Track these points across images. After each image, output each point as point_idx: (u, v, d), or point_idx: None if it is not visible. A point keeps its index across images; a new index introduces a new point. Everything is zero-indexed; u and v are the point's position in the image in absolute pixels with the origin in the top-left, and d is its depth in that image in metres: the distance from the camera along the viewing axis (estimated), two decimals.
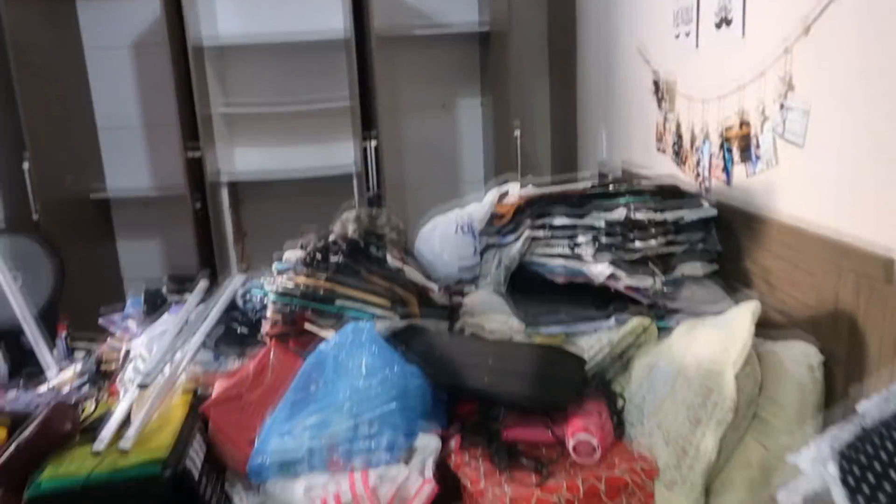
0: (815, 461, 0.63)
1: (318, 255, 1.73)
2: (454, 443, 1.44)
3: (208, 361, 1.70)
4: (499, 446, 1.39)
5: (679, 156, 2.09)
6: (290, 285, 1.67)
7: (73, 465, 1.33)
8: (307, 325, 1.64)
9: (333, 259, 1.72)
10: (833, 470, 0.55)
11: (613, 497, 1.29)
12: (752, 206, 1.68)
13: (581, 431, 1.34)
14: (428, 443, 1.40)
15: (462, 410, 1.54)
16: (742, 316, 1.36)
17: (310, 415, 1.42)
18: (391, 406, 1.40)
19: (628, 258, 1.68)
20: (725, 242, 1.76)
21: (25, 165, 3.06)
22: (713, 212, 1.75)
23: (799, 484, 0.67)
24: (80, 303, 2.72)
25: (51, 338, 2.24)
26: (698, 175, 1.95)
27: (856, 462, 0.53)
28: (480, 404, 1.51)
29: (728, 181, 1.78)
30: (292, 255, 1.80)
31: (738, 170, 1.73)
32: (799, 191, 1.50)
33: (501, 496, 1.25)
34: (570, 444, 1.34)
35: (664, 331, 1.60)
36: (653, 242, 1.69)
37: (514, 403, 1.44)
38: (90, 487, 1.29)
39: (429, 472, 1.34)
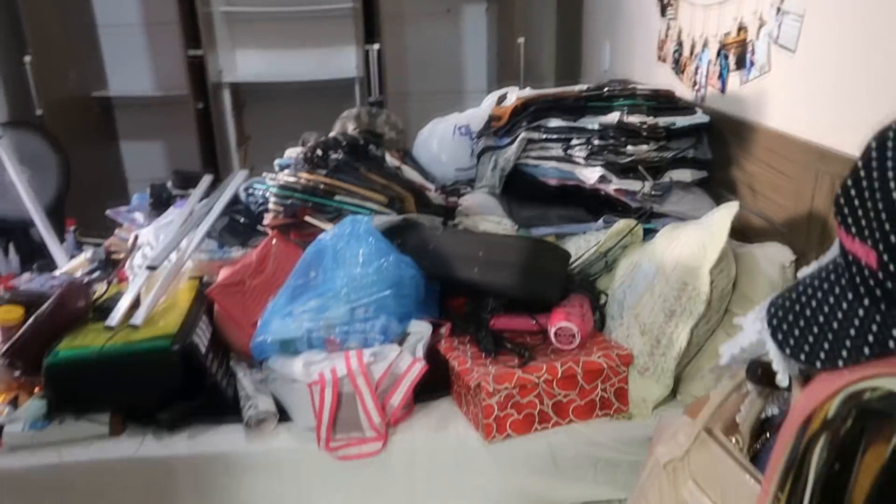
0: (755, 321, 0.71)
1: (319, 153, 1.78)
2: (445, 331, 1.53)
3: (213, 250, 1.77)
4: (486, 334, 1.48)
5: (678, 65, 2.09)
6: (292, 180, 1.73)
7: (88, 339, 1.42)
8: (307, 218, 1.70)
9: (333, 157, 1.77)
10: (765, 321, 0.62)
11: (590, 381, 1.39)
12: (742, 113, 1.70)
13: (563, 320, 1.43)
14: (420, 328, 1.49)
15: (453, 304, 1.63)
16: (721, 216, 1.42)
17: (309, 300, 1.49)
18: (386, 293, 1.47)
19: (620, 162, 1.72)
20: (716, 150, 1.79)
21: (27, 61, 3.05)
22: (705, 119, 1.77)
23: (739, 338, 0.75)
24: (84, 203, 2.78)
25: (59, 234, 2.31)
26: (695, 84, 1.97)
27: (781, 308, 0.60)
28: (470, 296, 1.59)
29: (722, 89, 1.80)
30: (294, 152, 1.85)
31: (733, 78, 1.75)
32: (787, 97, 1.53)
33: (485, 375, 1.34)
34: (552, 331, 1.43)
35: (650, 234, 1.66)
36: (644, 148, 1.73)
37: (502, 294, 1.52)
38: (104, 357, 1.38)
39: (420, 354, 1.44)
